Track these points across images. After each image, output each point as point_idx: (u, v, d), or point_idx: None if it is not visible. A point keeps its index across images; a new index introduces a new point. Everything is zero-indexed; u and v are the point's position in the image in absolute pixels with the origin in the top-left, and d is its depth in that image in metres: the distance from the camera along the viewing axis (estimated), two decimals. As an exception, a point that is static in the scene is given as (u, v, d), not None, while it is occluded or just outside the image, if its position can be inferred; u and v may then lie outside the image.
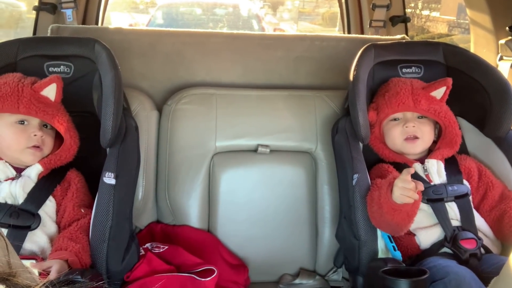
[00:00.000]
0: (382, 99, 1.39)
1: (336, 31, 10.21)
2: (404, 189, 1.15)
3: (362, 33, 2.27)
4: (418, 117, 1.38)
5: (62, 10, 1.84)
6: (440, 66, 1.49)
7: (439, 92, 1.37)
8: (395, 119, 1.39)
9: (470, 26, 1.86)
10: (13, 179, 1.21)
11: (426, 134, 1.37)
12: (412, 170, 1.17)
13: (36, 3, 1.91)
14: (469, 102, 1.45)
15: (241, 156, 1.56)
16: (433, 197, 1.29)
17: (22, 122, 1.22)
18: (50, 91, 1.23)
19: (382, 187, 1.21)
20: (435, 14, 10.66)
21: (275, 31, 7.39)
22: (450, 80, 1.37)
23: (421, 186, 1.15)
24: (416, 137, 1.36)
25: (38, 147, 1.22)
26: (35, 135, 1.22)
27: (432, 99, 1.36)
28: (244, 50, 1.75)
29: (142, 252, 1.34)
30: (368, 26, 2.06)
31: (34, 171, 1.23)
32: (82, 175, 1.30)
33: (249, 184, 1.55)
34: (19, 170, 1.24)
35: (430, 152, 1.41)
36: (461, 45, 1.57)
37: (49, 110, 1.22)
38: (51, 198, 1.23)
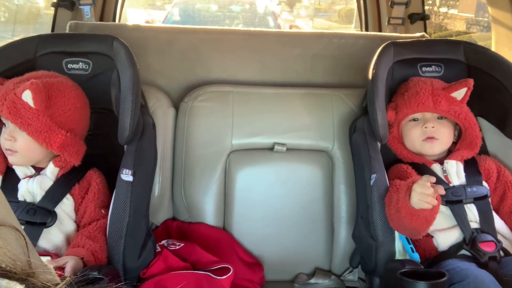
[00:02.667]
0: (402, 99, 1.37)
1: (352, 28, 10.17)
2: (422, 195, 1.13)
3: (380, 30, 2.24)
4: (438, 118, 1.36)
5: (80, 7, 1.85)
6: (460, 65, 1.46)
7: (460, 93, 1.35)
8: (414, 120, 1.37)
9: (492, 24, 1.82)
10: (31, 177, 1.22)
11: (445, 136, 1.35)
12: (433, 179, 1.14)
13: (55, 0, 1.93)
14: (490, 102, 1.42)
15: (257, 154, 1.55)
16: (452, 198, 1.27)
17: (4, 124, 1.22)
18: (28, 97, 1.16)
19: (400, 191, 1.19)
20: (453, 11, 10.53)
21: (291, 28, 7.36)
22: (471, 81, 1.35)
23: (441, 190, 1.13)
24: (434, 138, 1.34)
25: (11, 150, 1.21)
26: (6, 139, 1.20)
27: (453, 100, 1.34)
28: (261, 48, 1.74)
29: (158, 249, 1.35)
30: (386, 24, 2.03)
31: (49, 170, 1.24)
32: (103, 174, 1.30)
33: (265, 182, 1.54)
34: (39, 170, 1.25)
35: (449, 153, 1.38)
36: (480, 43, 1.54)
37: (24, 117, 1.15)
38: (68, 196, 1.24)
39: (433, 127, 1.33)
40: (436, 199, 1.14)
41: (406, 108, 1.35)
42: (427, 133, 1.34)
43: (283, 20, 8.04)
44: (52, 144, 1.19)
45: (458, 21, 10.27)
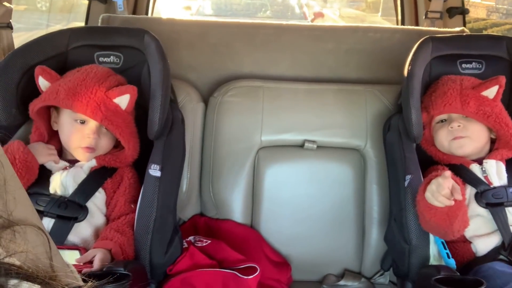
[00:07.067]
0: (429, 100, 1.32)
1: (378, 17, 10.31)
2: (434, 193, 1.10)
3: (417, 24, 2.17)
4: (466, 116, 1.29)
5: (113, 0, 1.86)
6: (503, 62, 1.39)
7: (492, 92, 1.28)
8: (442, 121, 1.31)
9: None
10: (65, 168, 1.23)
11: (474, 133, 1.28)
12: (447, 174, 1.09)
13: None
14: (534, 101, 1.35)
15: (286, 152, 1.52)
16: (493, 201, 1.21)
17: (82, 121, 1.22)
18: (123, 101, 1.22)
19: (423, 184, 1.16)
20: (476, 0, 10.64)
21: (315, 16, 7.41)
22: (503, 79, 1.27)
23: (458, 196, 1.08)
24: (462, 136, 1.27)
25: (91, 148, 1.23)
26: (89, 137, 1.22)
27: (483, 100, 1.27)
28: (293, 42, 1.70)
29: (185, 245, 1.34)
30: (424, 17, 1.97)
31: (87, 164, 1.24)
32: (134, 169, 1.30)
33: (294, 180, 1.51)
34: (73, 162, 1.25)
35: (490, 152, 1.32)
36: (496, 29, 1.46)
37: (114, 119, 1.20)
38: (100, 190, 1.23)
39: (459, 126, 1.27)
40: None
41: (433, 109, 1.30)
42: (454, 134, 1.28)
43: (309, 9, 8.09)
44: (134, 146, 1.26)
45: (480, 8, 10.37)
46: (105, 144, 1.25)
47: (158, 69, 1.26)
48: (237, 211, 1.50)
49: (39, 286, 0.40)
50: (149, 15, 2.25)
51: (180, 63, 1.64)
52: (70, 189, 1.20)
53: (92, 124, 1.22)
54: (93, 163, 1.24)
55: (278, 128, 1.52)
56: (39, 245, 0.48)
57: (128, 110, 1.23)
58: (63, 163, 1.24)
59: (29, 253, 0.43)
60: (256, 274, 1.24)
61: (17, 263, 0.41)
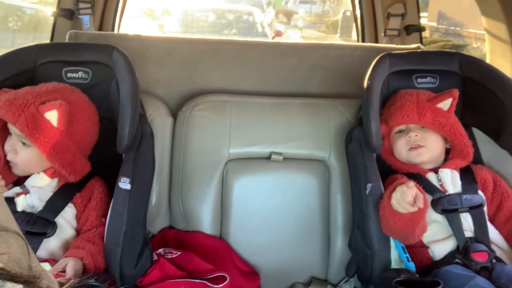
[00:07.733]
0: (388, 112, 1.39)
1: (337, 37, 11.01)
2: (400, 200, 1.17)
3: (377, 41, 2.26)
4: (422, 126, 1.37)
5: (79, 16, 1.87)
6: (455, 76, 1.48)
7: (446, 104, 1.36)
8: (400, 131, 1.39)
9: (486, 35, 1.84)
10: (25, 193, 1.21)
11: (431, 142, 1.35)
12: (411, 184, 1.17)
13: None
14: (484, 113, 1.44)
15: (254, 164, 1.56)
16: (448, 207, 1.28)
17: (11, 134, 1.21)
18: (52, 116, 1.16)
19: (388, 190, 1.22)
20: (422, 20, 11.22)
21: (275, 34, 7.90)
22: (456, 92, 1.36)
23: (420, 204, 1.15)
24: (420, 146, 1.35)
25: (12, 162, 1.21)
26: (8, 150, 1.20)
27: (438, 111, 1.35)
28: (259, 58, 1.75)
29: (155, 257, 1.35)
30: (383, 35, 2.06)
31: (46, 182, 1.23)
32: (105, 183, 1.30)
33: (262, 191, 1.55)
34: (23, 180, 1.23)
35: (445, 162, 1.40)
36: (433, 45, 1.55)
37: (38, 135, 1.14)
38: (70, 204, 1.23)
39: (416, 135, 1.34)
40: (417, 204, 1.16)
41: (392, 121, 1.37)
42: (411, 143, 1.35)
43: (270, 29, 8.43)
44: (63, 163, 1.19)
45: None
46: (26, 159, 1.20)
47: (127, 84, 1.28)
48: (206, 223, 1.52)
49: (22, 285, 0.42)
50: (116, 32, 2.26)
51: (148, 78, 1.66)
52: (39, 207, 1.20)
53: (14, 137, 1.20)
54: (47, 180, 1.23)
55: (245, 141, 1.55)
56: (18, 248, 0.50)
57: (60, 127, 1.17)
58: (14, 191, 1.21)
59: (10, 254, 0.44)
60: (226, 283, 1.26)
61: (0, 264, 0.42)
